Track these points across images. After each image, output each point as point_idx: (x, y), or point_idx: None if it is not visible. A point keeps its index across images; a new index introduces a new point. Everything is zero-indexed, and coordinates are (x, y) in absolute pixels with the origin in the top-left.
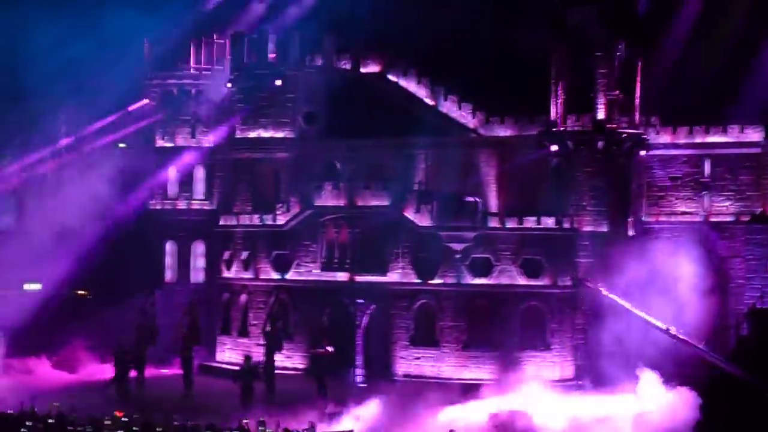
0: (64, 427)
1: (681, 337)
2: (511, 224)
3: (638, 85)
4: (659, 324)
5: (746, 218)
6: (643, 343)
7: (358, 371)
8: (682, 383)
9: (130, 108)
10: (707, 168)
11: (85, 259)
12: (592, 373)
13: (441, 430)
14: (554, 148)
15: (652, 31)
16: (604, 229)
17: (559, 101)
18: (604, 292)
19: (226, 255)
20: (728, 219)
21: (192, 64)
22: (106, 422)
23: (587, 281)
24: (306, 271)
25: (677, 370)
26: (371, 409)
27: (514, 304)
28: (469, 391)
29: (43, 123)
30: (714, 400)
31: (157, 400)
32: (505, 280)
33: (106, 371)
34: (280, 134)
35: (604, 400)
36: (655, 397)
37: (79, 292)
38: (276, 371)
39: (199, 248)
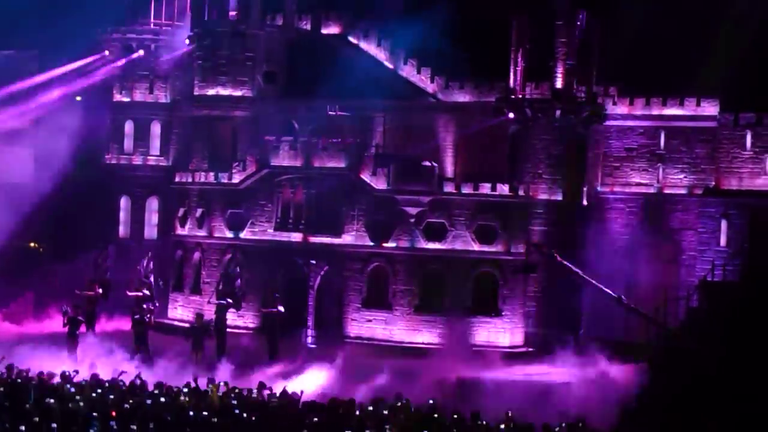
0: (14, 381)
1: (631, 306)
2: (466, 190)
3: (597, 55)
4: (610, 292)
5: (700, 191)
6: (593, 311)
7: (310, 332)
8: (630, 352)
9: (88, 61)
10: (663, 140)
11: (38, 212)
12: (541, 341)
13: (388, 393)
14: (511, 115)
15: (613, 2)
16: (559, 197)
17: (519, 69)
18: (558, 258)
19: (181, 212)
20: (682, 191)
21: (152, 19)
22: (56, 378)
23: (540, 248)
24: (260, 231)
25: (626, 338)
26: (321, 370)
27: (467, 269)
28: (419, 354)
29: None
30: (660, 369)
31: (107, 356)
32: (458, 246)
33: (56, 325)
34: (238, 92)
35: (550, 368)
36: (600, 366)
37: (31, 245)
38: (227, 330)
39: (153, 204)
